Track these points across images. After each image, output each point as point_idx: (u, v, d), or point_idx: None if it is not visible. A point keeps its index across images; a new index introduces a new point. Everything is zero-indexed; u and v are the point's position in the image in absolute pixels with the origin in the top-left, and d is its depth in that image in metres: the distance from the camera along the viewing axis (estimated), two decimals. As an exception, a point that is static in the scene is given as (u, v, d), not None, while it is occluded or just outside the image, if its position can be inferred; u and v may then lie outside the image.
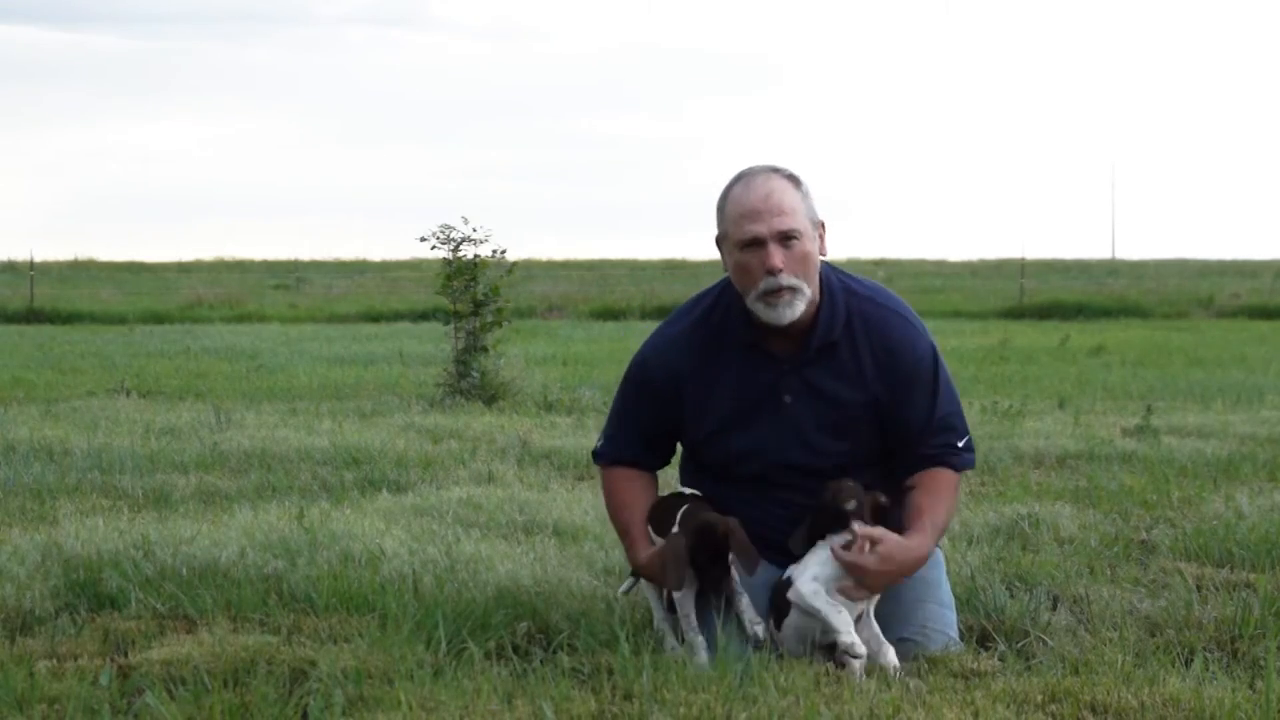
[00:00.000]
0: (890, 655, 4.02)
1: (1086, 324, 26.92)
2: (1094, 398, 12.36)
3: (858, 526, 4.01)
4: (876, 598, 4.07)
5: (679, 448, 4.48)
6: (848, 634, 3.95)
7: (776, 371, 4.21)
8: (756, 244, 4.08)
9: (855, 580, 3.99)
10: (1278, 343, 20.97)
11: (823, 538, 4.05)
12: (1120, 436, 9.28)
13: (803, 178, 4.18)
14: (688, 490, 4.35)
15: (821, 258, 4.19)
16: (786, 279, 4.07)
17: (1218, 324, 27.36)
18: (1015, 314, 30.07)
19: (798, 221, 4.10)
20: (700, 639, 4.05)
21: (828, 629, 3.97)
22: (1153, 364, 16.68)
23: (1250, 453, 8.39)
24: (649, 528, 4.29)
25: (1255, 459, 8.10)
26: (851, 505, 4.03)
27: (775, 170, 4.16)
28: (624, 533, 4.36)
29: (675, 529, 4.13)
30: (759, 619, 4.05)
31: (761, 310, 4.13)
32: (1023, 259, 40.78)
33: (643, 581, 4.35)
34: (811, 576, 4.01)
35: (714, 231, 4.24)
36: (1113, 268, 48.92)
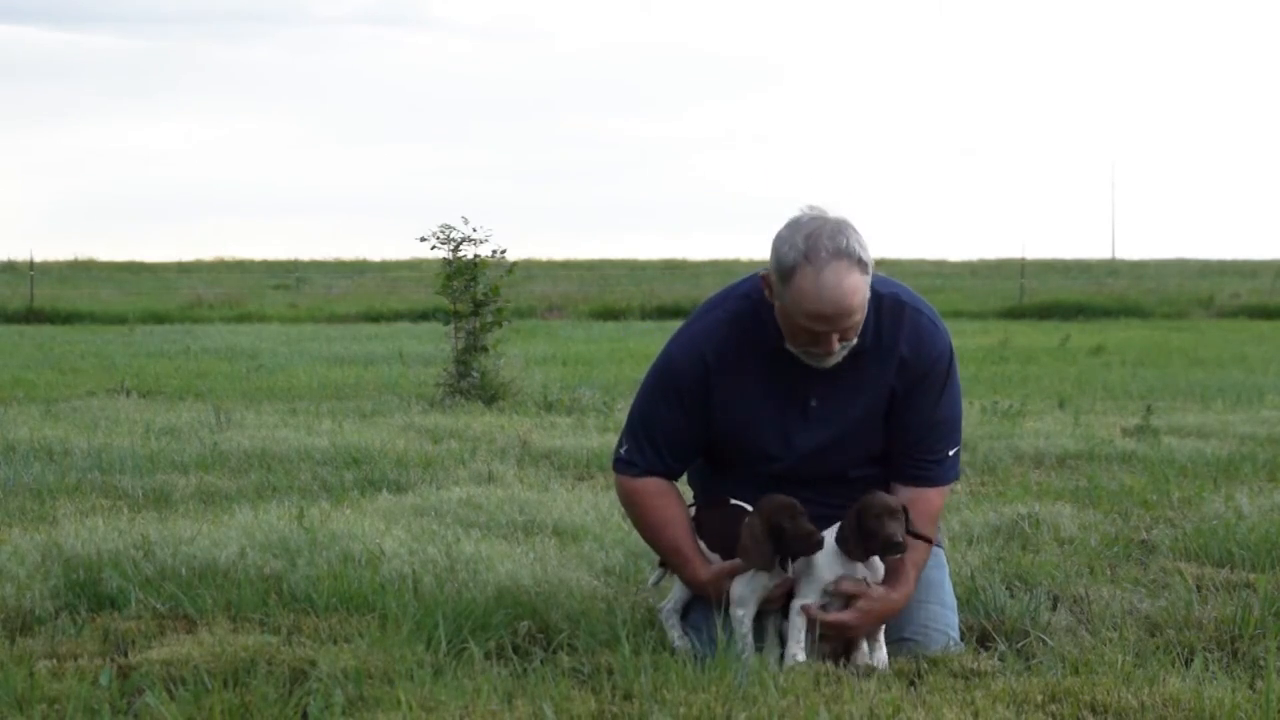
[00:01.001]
0: (880, 655, 4.06)
1: (1086, 324, 26.94)
2: (1094, 398, 12.36)
3: (846, 585, 4.04)
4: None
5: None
6: (796, 645, 3.99)
7: (803, 375, 4.17)
8: (818, 332, 4.01)
9: (838, 632, 4.03)
10: (1278, 343, 20.98)
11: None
12: (1120, 436, 9.28)
13: (861, 239, 3.98)
14: (732, 500, 4.26)
15: None
16: (838, 348, 4.05)
17: (1218, 324, 27.38)
18: (1015, 314, 30.10)
19: (860, 315, 4.02)
20: (753, 649, 4.04)
21: (787, 633, 4.02)
22: (1153, 364, 16.68)
23: (1250, 453, 8.39)
24: (699, 542, 4.23)
25: (1255, 459, 8.11)
26: (899, 538, 4.01)
27: (842, 253, 3.94)
28: (673, 551, 4.23)
29: (749, 516, 4.07)
30: (801, 645, 4.03)
31: (804, 358, 4.10)
32: (1023, 259, 40.80)
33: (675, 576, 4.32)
34: (803, 595, 4.04)
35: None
36: (1113, 268, 48.92)
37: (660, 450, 4.24)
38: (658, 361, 4.29)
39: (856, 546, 4.01)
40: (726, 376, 4.19)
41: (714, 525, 4.22)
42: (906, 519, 4.01)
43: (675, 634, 4.22)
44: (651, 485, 4.25)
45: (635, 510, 4.30)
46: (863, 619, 4.04)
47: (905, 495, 4.17)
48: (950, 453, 4.24)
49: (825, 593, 4.05)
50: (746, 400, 4.19)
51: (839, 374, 4.16)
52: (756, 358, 4.18)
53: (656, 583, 4.52)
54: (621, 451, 4.29)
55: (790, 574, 4.07)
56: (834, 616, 4.02)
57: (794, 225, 3.99)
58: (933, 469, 4.22)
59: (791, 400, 4.19)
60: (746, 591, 4.08)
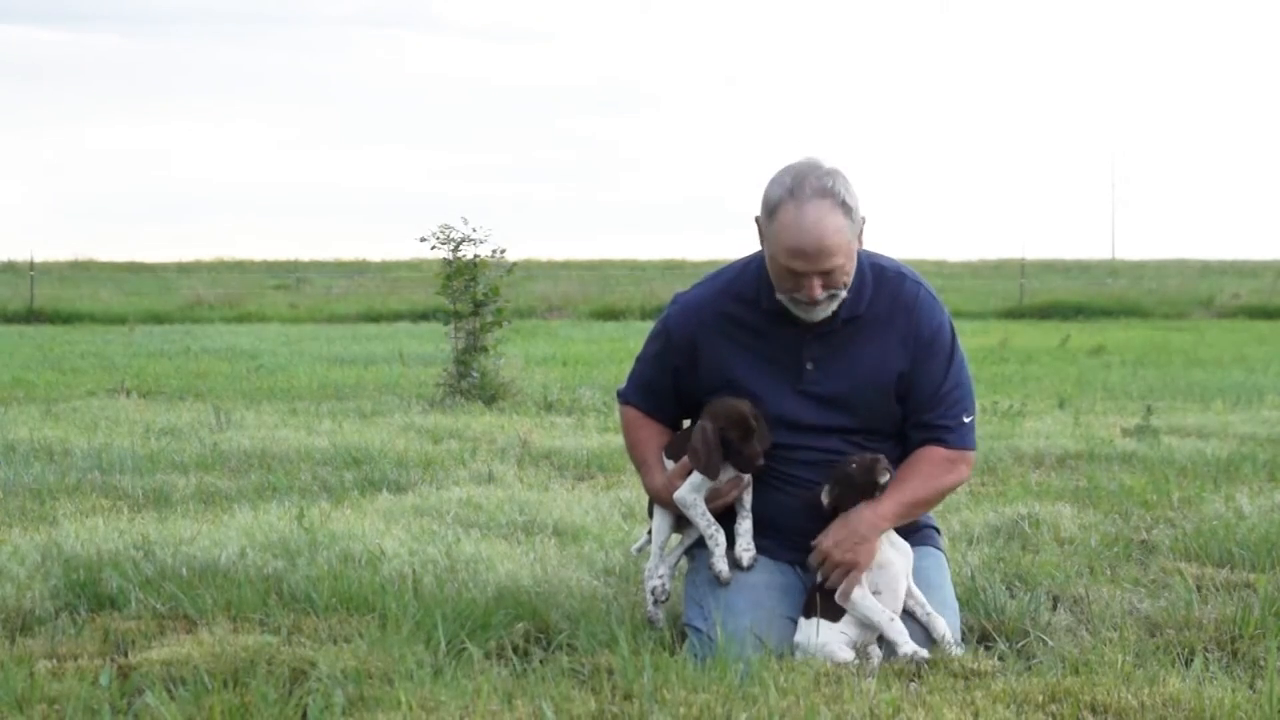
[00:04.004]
0: (941, 625, 4.13)
1: (1086, 324, 26.94)
2: (1094, 398, 12.36)
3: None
4: (908, 576, 4.16)
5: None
6: (907, 645, 4.03)
7: (800, 338, 4.27)
8: (798, 273, 4.13)
9: (827, 564, 4.12)
10: (1278, 343, 20.98)
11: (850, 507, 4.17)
12: (1120, 436, 9.28)
13: (850, 187, 4.10)
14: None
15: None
16: (821, 295, 4.14)
17: (1218, 324, 27.38)
18: (1015, 314, 30.10)
19: (842, 257, 4.10)
20: (720, 533, 4.22)
21: (886, 637, 4.07)
22: (1153, 364, 16.68)
23: (1250, 453, 8.39)
24: (664, 456, 4.41)
25: (1255, 459, 8.10)
26: (885, 479, 4.13)
27: (827, 193, 4.07)
28: (641, 463, 4.47)
29: (702, 418, 4.24)
30: (752, 547, 4.23)
31: (792, 307, 4.21)
32: (1023, 259, 40.82)
33: (653, 517, 4.41)
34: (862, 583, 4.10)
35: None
36: (1113, 268, 48.92)
37: (646, 394, 4.50)
38: (659, 321, 4.51)
39: (852, 497, 4.16)
40: (721, 340, 4.32)
41: (678, 444, 4.40)
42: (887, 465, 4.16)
43: (648, 599, 4.37)
44: (638, 413, 4.53)
45: (623, 431, 4.59)
46: (833, 538, 4.11)
47: (911, 455, 4.30)
48: (965, 419, 4.33)
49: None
50: (743, 360, 4.30)
51: (835, 339, 4.25)
52: (754, 320, 4.30)
53: (640, 549, 4.62)
54: (623, 386, 4.60)
55: (744, 475, 4.24)
56: (816, 555, 4.13)
57: (786, 168, 4.16)
58: (947, 434, 4.31)
59: (787, 363, 4.27)
60: (689, 492, 4.25)
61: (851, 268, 4.16)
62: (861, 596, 4.08)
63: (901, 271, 4.34)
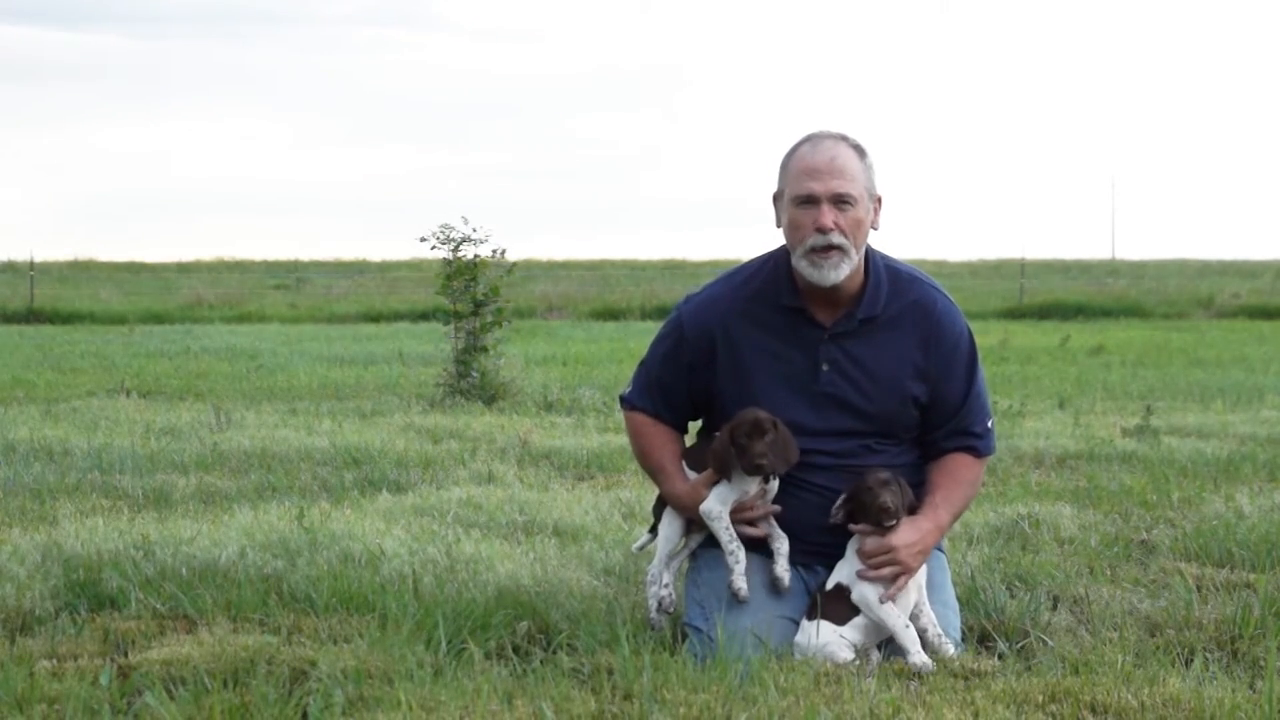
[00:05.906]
0: (949, 648, 4.11)
1: (1086, 324, 26.94)
2: (1094, 398, 12.36)
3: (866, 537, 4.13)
4: (921, 589, 4.15)
5: (695, 423, 4.54)
6: (918, 654, 4.01)
7: (817, 339, 4.27)
8: (811, 202, 4.18)
9: (888, 563, 4.09)
10: (1278, 343, 20.97)
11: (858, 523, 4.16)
12: (1120, 436, 9.28)
13: (869, 150, 4.27)
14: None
15: (873, 230, 4.29)
16: (836, 238, 4.17)
17: (1218, 324, 27.37)
18: (1015, 314, 30.09)
19: (855, 188, 4.19)
20: (741, 550, 4.19)
21: (897, 642, 4.05)
22: (1153, 364, 16.68)
23: (1250, 453, 8.39)
24: (684, 464, 4.37)
25: (1255, 459, 8.11)
26: (891, 505, 4.10)
27: (843, 137, 4.27)
28: (657, 470, 4.42)
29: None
30: (789, 569, 4.21)
31: (806, 268, 4.21)
32: (1023, 259, 40.82)
33: (662, 523, 4.39)
34: (871, 586, 4.09)
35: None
36: (1113, 268, 48.89)
37: (654, 397, 4.44)
38: (670, 320, 4.45)
39: (862, 518, 4.13)
40: (737, 338, 4.30)
41: (698, 453, 4.37)
42: (900, 487, 4.13)
43: (652, 605, 4.33)
44: (644, 417, 4.48)
45: (632, 438, 4.53)
46: (901, 539, 4.09)
47: (941, 462, 4.32)
48: (989, 424, 4.40)
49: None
50: (759, 360, 4.29)
51: (852, 341, 4.26)
52: (771, 319, 4.29)
53: (641, 548, 4.61)
54: (627, 390, 4.52)
55: (769, 487, 4.23)
56: (874, 544, 4.09)
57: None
58: (976, 441, 4.36)
59: (803, 364, 4.27)
60: (716, 504, 4.22)
61: (864, 219, 4.21)
62: (885, 606, 4.07)
63: (917, 276, 4.37)
